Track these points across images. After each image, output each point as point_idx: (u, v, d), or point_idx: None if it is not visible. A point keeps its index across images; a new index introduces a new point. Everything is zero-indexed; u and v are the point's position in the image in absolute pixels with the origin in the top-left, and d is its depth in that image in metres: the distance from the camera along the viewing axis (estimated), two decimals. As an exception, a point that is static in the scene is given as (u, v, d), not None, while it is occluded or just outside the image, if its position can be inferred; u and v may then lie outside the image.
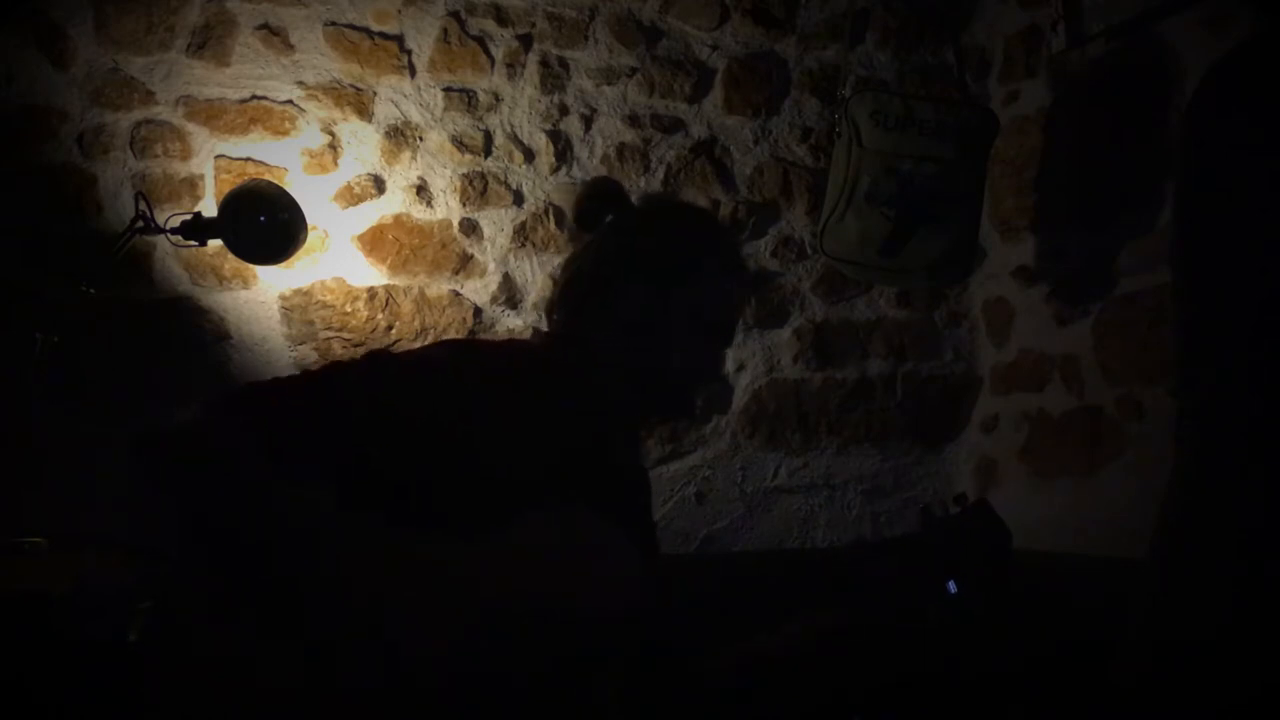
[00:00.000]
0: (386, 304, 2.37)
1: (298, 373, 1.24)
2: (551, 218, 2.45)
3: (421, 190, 2.40)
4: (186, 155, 2.29)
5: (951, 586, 1.22)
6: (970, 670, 1.87)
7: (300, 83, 2.34)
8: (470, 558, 1.14)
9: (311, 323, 2.33)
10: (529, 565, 1.15)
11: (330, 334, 2.34)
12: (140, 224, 2.07)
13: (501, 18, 2.43)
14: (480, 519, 1.15)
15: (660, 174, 2.51)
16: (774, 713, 1.36)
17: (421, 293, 2.39)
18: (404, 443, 1.18)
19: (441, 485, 1.18)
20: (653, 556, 1.48)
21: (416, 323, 2.38)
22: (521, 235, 2.44)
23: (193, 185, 2.29)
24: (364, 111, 2.37)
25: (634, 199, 1.50)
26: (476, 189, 2.42)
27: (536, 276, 2.44)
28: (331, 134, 2.36)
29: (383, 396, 1.21)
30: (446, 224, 2.41)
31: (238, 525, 1.11)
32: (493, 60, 2.44)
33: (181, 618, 1.13)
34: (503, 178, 2.44)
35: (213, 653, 1.09)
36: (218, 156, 2.30)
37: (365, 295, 2.36)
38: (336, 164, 2.36)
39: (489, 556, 1.14)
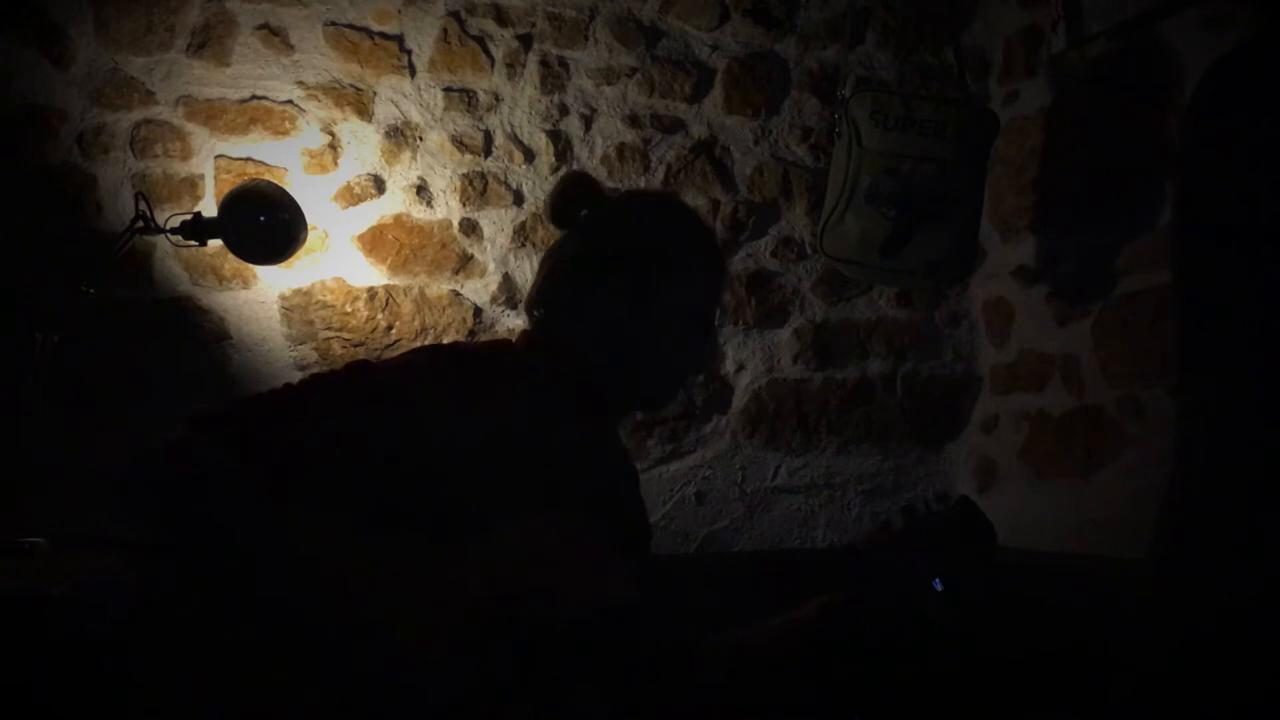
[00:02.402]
0: (386, 304, 2.37)
1: (278, 387, 1.23)
2: (551, 218, 2.45)
3: (421, 190, 2.40)
4: (186, 155, 2.29)
5: (937, 584, 1.22)
6: (970, 670, 1.87)
7: (300, 83, 2.34)
8: (462, 559, 1.14)
9: (311, 323, 2.33)
10: (519, 566, 1.15)
11: (330, 334, 2.34)
12: (140, 224, 2.07)
13: (501, 18, 2.43)
14: (471, 521, 1.15)
15: (660, 174, 2.51)
16: (770, 712, 1.36)
17: (421, 293, 2.39)
18: (391, 449, 1.18)
19: (432, 489, 1.18)
20: (645, 553, 1.48)
21: (416, 323, 2.38)
22: (521, 235, 2.44)
23: (193, 185, 2.29)
24: (364, 111, 2.37)
25: (607, 193, 1.50)
26: (476, 189, 2.42)
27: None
28: (331, 134, 2.36)
29: (366, 407, 1.21)
30: (446, 224, 2.41)
31: (231, 545, 1.11)
32: (493, 60, 2.44)
33: (179, 618, 1.13)
34: (503, 178, 2.44)
35: (209, 652, 1.09)
36: (218, 156, 2.30)
37: (365, 295, 2.36)
38: (336, 164, 2.36)
39: (480, 557, 1.14)
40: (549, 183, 2.45)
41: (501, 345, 1.54)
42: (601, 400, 1.42)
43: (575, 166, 2.46)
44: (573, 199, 1.45)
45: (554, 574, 1.16)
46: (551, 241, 2.39)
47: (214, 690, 1.08)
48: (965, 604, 1.22)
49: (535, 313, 1.44)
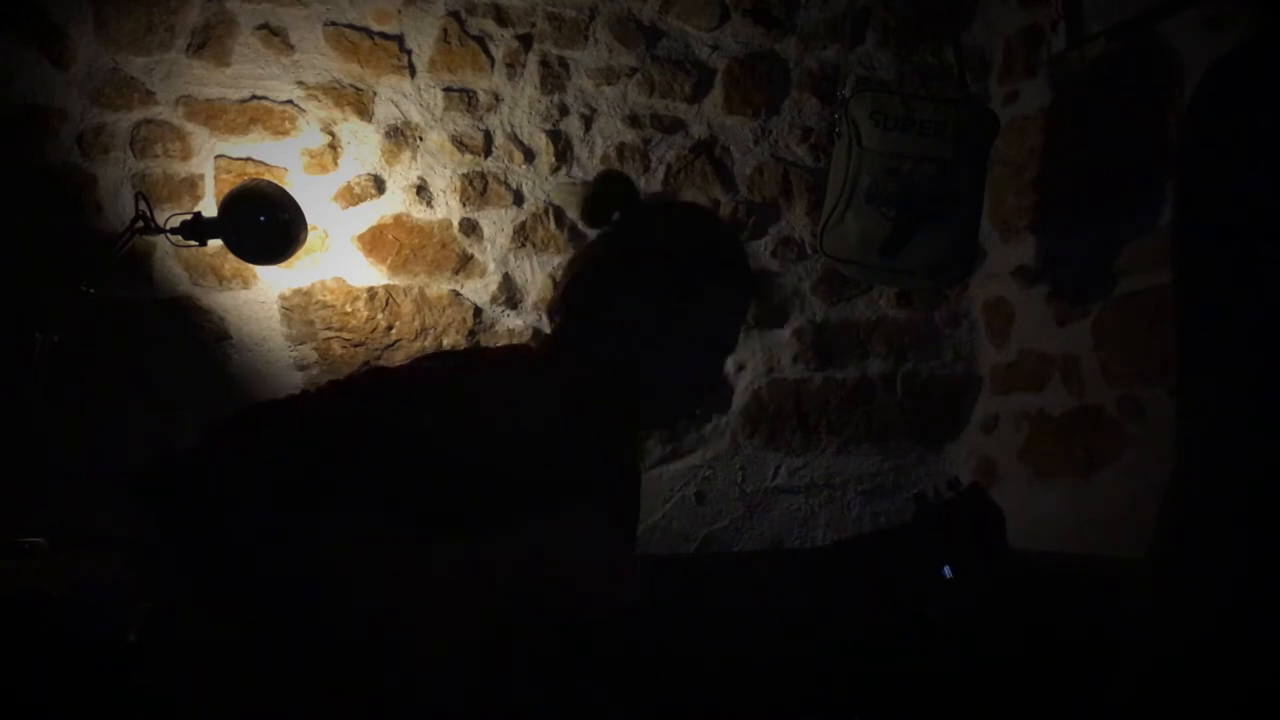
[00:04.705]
0: (386, 304, 2.37)
1: (295, 393, 1.23)
2: (551, 218, 2.45)
3: (421, 190, 2.40)
4: (186, 155, 2.29)
5: (946, 571, 1.23)
6: (970, 670, 1.87)
7: (300, 83, 2.34)
8: (474, 557, 1.14)
9: (311, 323, 2.33)
10: (530, 564, 1.15)
11: (330, 334, 2.34)
12: (140, 224, 2.07)
13: (501, 18, 2.43)
14: (484, 520, 1.15)
15: (660, 174, 2.51)
16: (777, 712, 1.36)
17: (421, 293, 2.39)
18: (406, 451, 1.18)
19: (445, 488, 1.18)
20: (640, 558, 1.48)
21: (416, 323, 2.38)
22: (521, 235, 2.44)
23: (193, 185, 2.29)
24: (364, 111, 2.37)
25: (642, 198, 1.48)
26: (476, 189, 2.42)
27: (536, 276, 2.45)
28: (331, 134, 2.36)
29: (383, 411, 1.21)
30: (446, 224, 2.41)
31: (242, 555, 1.10)
32: (493, 60, 2.44)
33: (183, 617, 1.13)
34: (503, 178, 2.44)
35: (215, 651, 1.09)
36: (218, 156, 2.30)
37: (365, 295, 2.36)
38: (336, 164, 2.36)
39: (492, 556, 1.14)
40: (549, 183, 2.45)
41: (520, 349, 1.53)
42: (616, 410, 1.40)
43: (575, 166, 2.47)
44: (607, 199, 1.43)
45: (567, 574, 1.16)
46: (551, 242, 2.45)
47: (224, 690, 1.08)
48: (972, 591, 1.23)
49: (556, 319, 1.41)
